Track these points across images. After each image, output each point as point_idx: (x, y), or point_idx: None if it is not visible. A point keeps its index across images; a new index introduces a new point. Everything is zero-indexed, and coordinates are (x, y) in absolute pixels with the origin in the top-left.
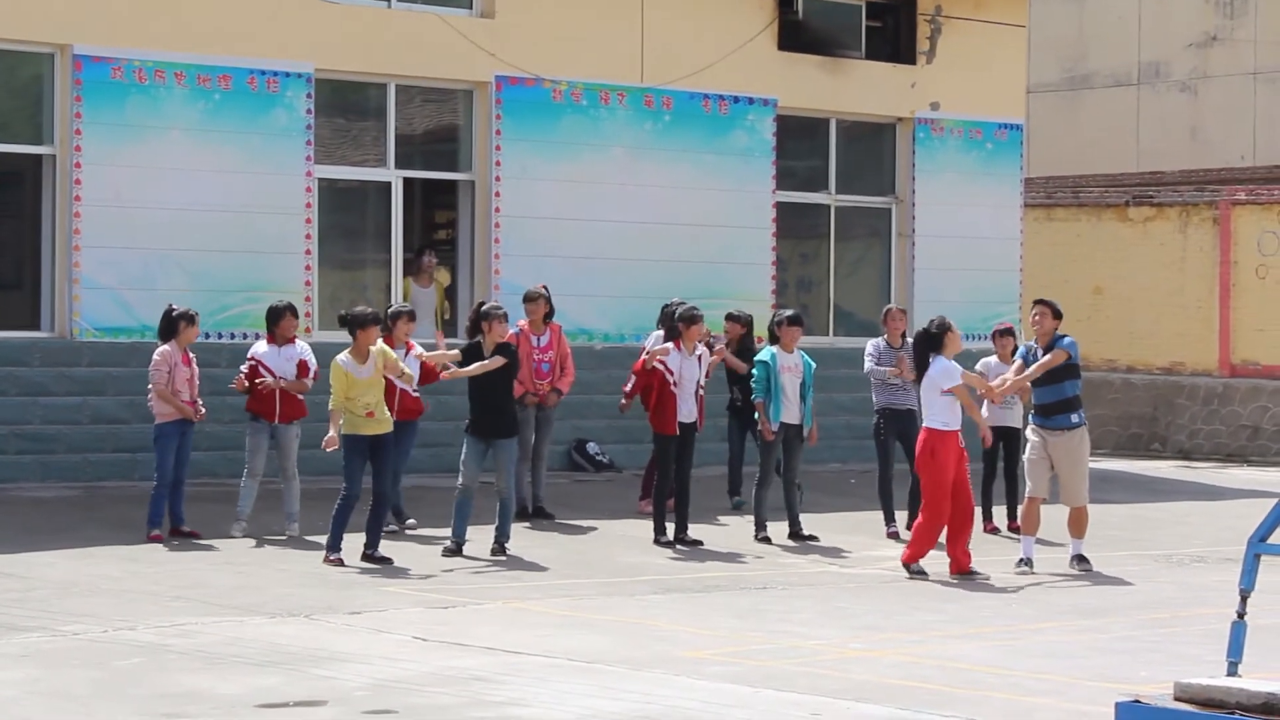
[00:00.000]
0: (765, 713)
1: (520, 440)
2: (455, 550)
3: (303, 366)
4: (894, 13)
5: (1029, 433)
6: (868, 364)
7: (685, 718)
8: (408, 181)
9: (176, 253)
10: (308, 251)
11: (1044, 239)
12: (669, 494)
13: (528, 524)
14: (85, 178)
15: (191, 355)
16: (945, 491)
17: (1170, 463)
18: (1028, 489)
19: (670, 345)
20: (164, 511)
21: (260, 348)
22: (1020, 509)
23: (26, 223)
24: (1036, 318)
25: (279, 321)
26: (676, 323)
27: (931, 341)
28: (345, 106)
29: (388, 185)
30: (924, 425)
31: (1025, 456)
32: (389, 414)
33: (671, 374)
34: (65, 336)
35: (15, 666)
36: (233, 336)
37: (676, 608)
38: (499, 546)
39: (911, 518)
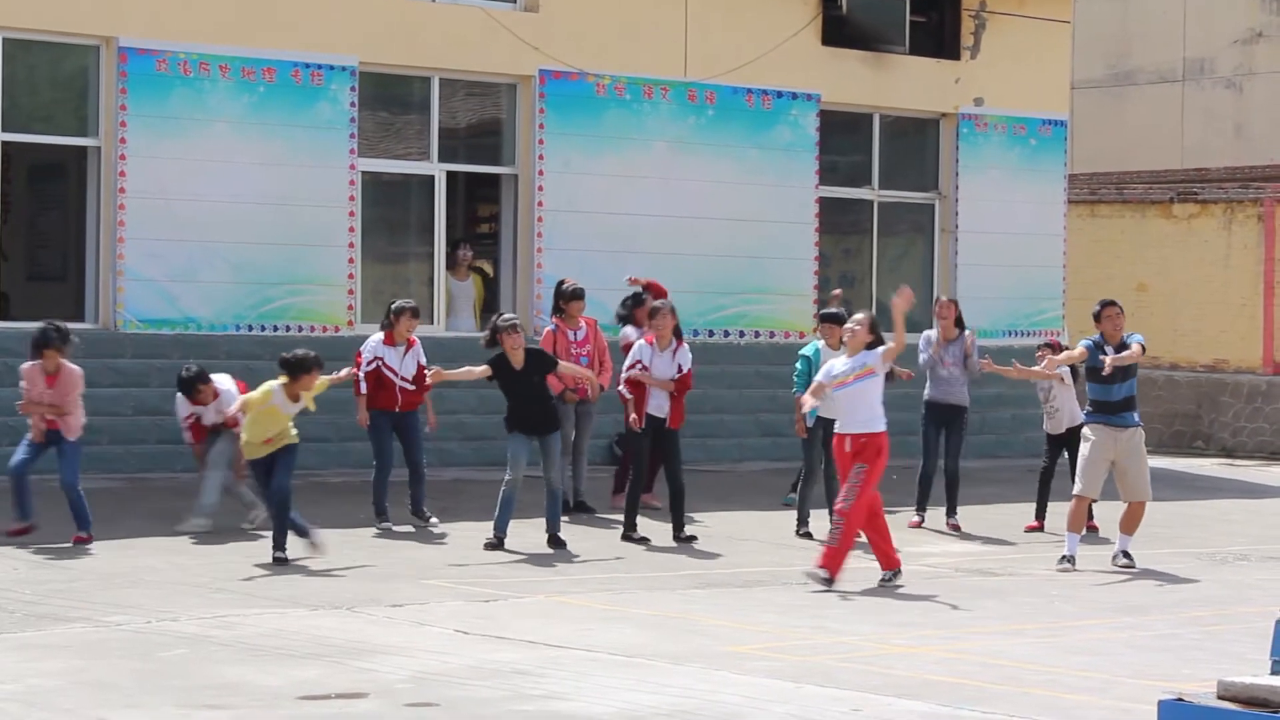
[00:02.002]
0: (806, 708)
1: (560, 435)
2: (497, 544)
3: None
4: (938, 7)
5: (1089, 431)
6: (921, 358)
7: (726, 712)
8: (451, 175)
9: (220, 245)
10: (351, 244)
11: (1087, 235)
12: (645, 489)
13: (568, 518)
14: (129, 170)
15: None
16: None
17: (1213, 460)
18: (1080, 488)
19: (642, 342)
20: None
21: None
22: (1070, 507)
23: (71, 215)
24: (1115, 316)
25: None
26: (645, 314)
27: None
28: (389, 100)
29: (431, 179)
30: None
31: (1085, 456)
32: (293, 432)
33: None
34: (109, 328)
35: (59, 657)
36: (275, 329)
37: (717, 602)
38: (556, 538)
39: (950, 513)
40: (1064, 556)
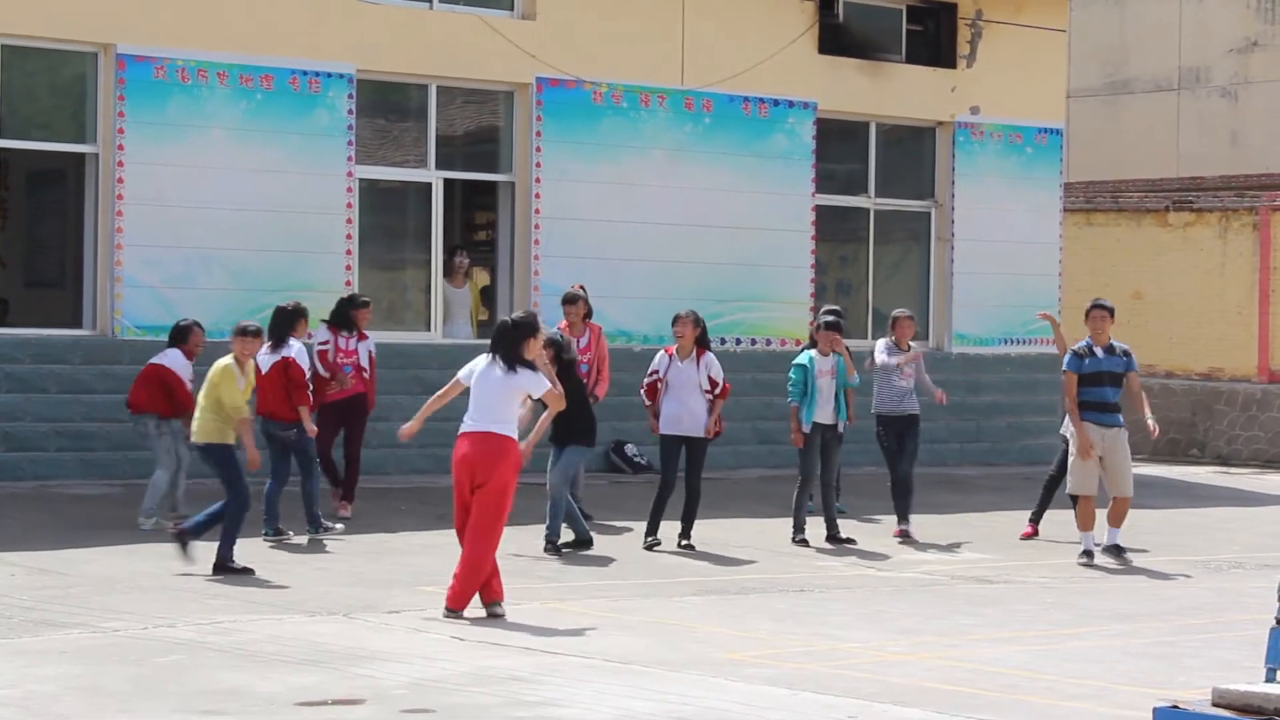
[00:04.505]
0: (802, 715)
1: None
2: (554, 547)
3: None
4: (934, 16)
5: (1085, 432)
6: (880, 357)
7: (722, 719)
8: (448, 182)
9: (218, 252)
10: (348, 251)
11: (1083, 244)
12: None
13: (565, 524)
14: (128, 177)
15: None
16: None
17: (1209, 468)
18: (1074, 486)
19: (662, 353)
20: None
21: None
22: (1077, 509)
23: (69, 221)
24: (1099, 322)
25: (187, 338)
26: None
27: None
28: (386, 107)
29: (428, 186)
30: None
31: (1075, 456)
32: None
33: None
34: (107, 335)
35: (55, 663)
36: None
37: (713, 610)
38: (553, 545)
39: (901, 519)
40: (1084, 551)
